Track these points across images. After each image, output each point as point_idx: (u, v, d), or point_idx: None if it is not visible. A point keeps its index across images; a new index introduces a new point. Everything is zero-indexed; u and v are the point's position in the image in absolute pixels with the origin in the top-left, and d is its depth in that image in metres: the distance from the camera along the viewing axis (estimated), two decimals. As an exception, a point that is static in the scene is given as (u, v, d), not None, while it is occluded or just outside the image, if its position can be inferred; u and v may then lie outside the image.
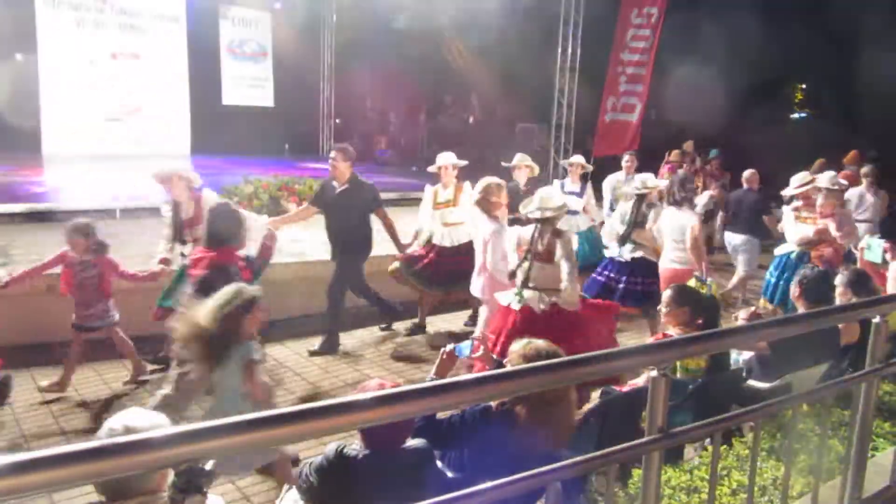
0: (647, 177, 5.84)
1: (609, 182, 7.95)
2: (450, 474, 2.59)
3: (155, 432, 1.12)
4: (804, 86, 25.19)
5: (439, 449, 2.57)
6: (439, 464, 2.56)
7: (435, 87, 16.59)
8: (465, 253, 5.67)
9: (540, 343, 2.86)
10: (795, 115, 25.21)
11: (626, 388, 3.47)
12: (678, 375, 3.38)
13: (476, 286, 5.15)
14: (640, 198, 5.60)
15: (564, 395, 2.69)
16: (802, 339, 3.07)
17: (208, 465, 0.99)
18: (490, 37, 14.65)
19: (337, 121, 17.67)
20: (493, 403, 2.67)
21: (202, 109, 15.14)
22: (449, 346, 2.92)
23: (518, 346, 2.81)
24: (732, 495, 2.46)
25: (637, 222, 5.57)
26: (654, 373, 1.72)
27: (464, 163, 6.13)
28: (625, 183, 7.45)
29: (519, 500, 2.31)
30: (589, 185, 7.33)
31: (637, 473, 2.57)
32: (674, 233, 5.43)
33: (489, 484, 1.52)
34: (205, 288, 3.46)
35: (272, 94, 16.82)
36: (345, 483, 2.27)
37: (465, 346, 2.86)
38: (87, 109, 13.76)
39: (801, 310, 3.76)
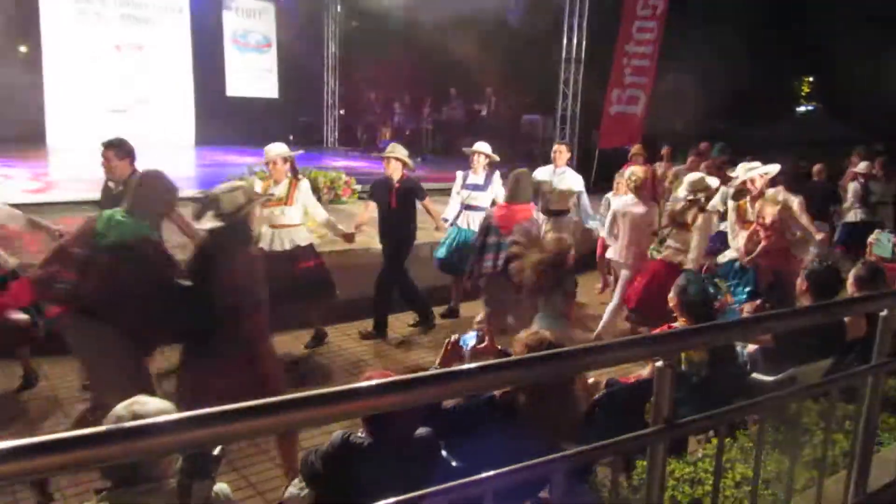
0: (696, 178, 5.52)
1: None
2: (454, 463, 2.59)
3: (161, 418, 1.12)
4: (811, 78, 25.07)
5: (444, 438, 2.58)
6: (444, 453, 2.57)
7: (440, 78, 16.54)
8: (301, 258, 5.24)
9: (544, 333, 2.86)
10: (802, 109, 25.10)
11: (630, 380, 3.48)
12: (683, 368, 3.37)
13: (622, 255, 5.88)
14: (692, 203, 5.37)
15: (568, 385, 2.69)
16: (808, 333, 3.07)
17: (216, 451, 0.99)
18: (495, 28, 14.60)
19: (341, 112, 17.64)
20: (497, 393, 2.68)
21: (206, 100, 15.13)
22: (453, 337, 2.93)
23: (522, 335, 2.81)
24: (736, 487, 2.46)
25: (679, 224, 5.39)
26: (659, 363, 1.72)
27: (295, 153, 5.60)
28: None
29: (523, 489, 2.32)
30: (497, 176, 6.43)
31: (641, 465, 2.57)
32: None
33: (492, 472, 1.52)
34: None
35: (277, 85, 16.80)
36: (350, 470, 2.28)
37: (470, 336, 2.87)
38: (90, 101, 13.76)
39: (807, 304, 3.75)
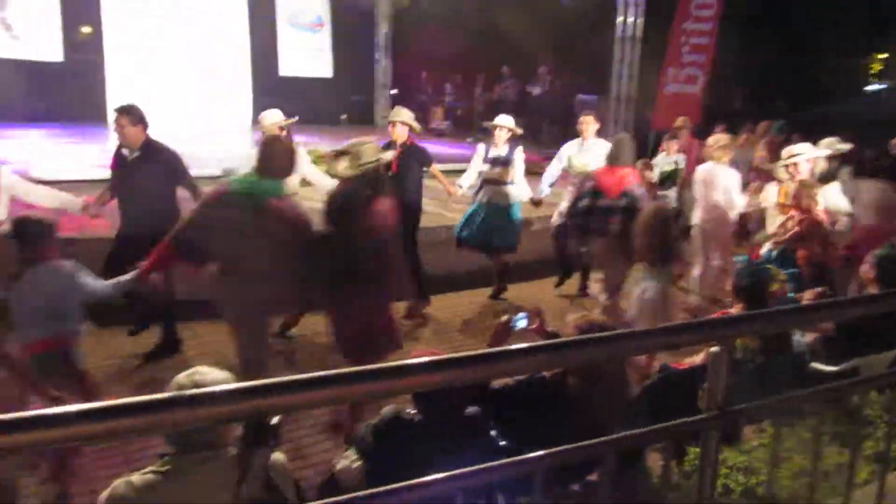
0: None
1: None
2: (502, 443, 2.60)
3: (222, 387, 1.16)
4: (884, 56, 23.89)
5: (492, 418, 2.59)
6: (492, 433, 2.58)
7: (492, 57, 16.38)
8: None
9: (594, 315, 2.84)
10: (873, 87, 23.96)
11: (683, 366, 3.42)
12: (738, 355, 3.29)
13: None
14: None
15: (618, 368, 2.67)
16: (873, 322, 2.96)
17: (274, 421, 1.02)
18: (549, 6, 14.35)
19: (393, 91, 17.66)
20: (546, 374, 2.67)
21: (261, 81, 15.34)
22: (504, 318, 2.93)
23: (572, 318, 2.80)
24: (792, 479, 2.40)
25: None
26: (714, 349, 1.68)
27: (291, 121, 5.84)
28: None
29: (572, 471, 2.32)
30: (519, 151, 6.27)
31: (693, 451, 2.54)
32: None
33: (541, 452, 1.52)
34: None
35: (330, 64, 16.89)
36: (400, 445, 2.31)
37: (521, 318, 2.86)
38: (149, 80, 14.08)
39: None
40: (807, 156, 5.42)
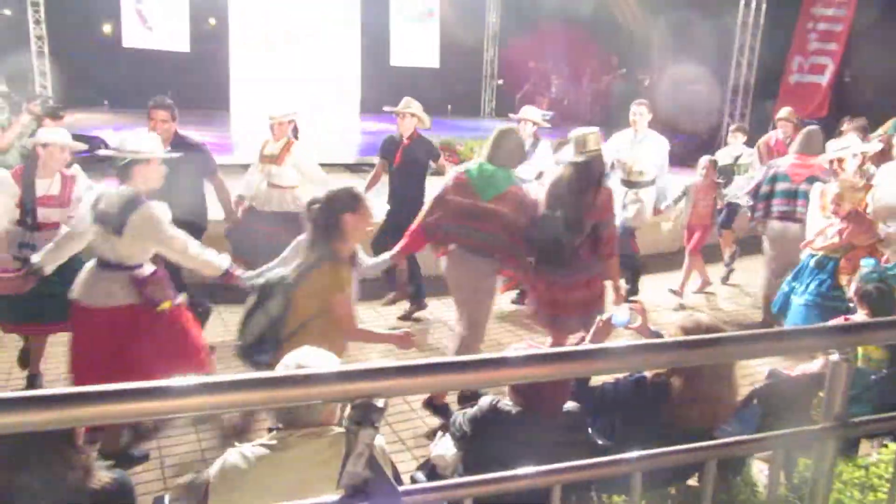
0: None
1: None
2: (599, 441, 2.57)
3: (326, 369, 1.21)
4: None
5: (590, 415, 2.56)
6: (590, 430, 2.55)
7: (602, 47, 16.00)
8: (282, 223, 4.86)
9: (702, 316, 2.74)
10: None
11: (795, 373, 3.24)
12: (860, 364, 3.09)
13: None
14: None
15: (726, 372, 2.57)
16: None
17: (380, 403, 1.06)
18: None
19: (499, 82, 17.61)
20: (647, 374, 2.61)
21: (371, 70, 15.70)
22: (605, 314, 2.88)
23: (678, 318, 2.72)
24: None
25: None
26: (835, 357, 1.58)
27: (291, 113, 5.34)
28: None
29: (667, 472, 2.25)
30: (543, 145, 5.79)
31: (803, 463, 2.41)
32: None
33: (640, 453, 1.49)
34: None
35: (438, 55, 17.06)
36: (497, 435, 2.33)
37: (623, 314, 2.80)
38: (267, 70, 14.70)
39: None
40: (853, 150, 4.84)
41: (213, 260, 3.43)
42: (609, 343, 1.50)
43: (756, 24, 11.34)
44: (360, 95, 15.78)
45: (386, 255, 3.93)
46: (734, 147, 7.17)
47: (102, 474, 1.96)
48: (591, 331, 2.86)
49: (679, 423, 2.45)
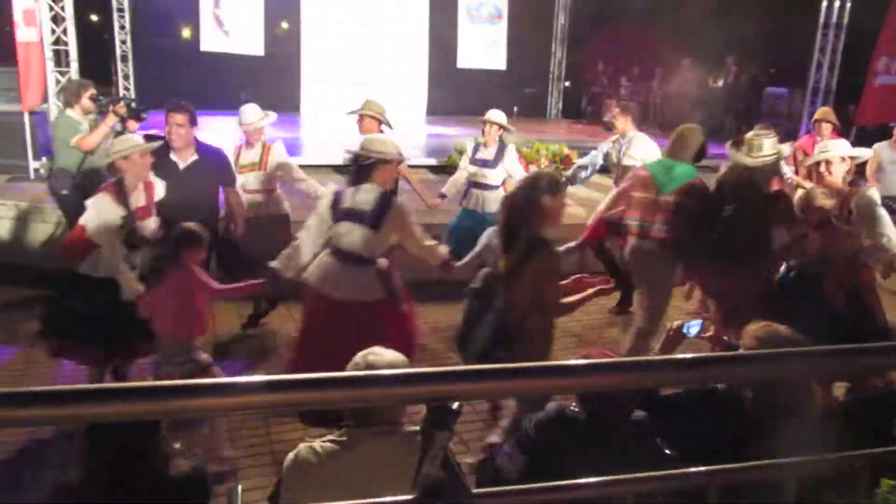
0: None
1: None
2: (668, 452, 2.52)
3: (388, 371, 1.23)
4: None
5: (660, 425, 2.51)
6: (658, 440, 2.50)
7: (674, 48, 15.65)
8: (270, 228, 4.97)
9: (779, 327, 2.65)
10: None
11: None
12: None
13: None
14: None
15: (804, 387, 2.47)
16: None
17: (455, 406, 1.07)
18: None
19: (567, 84, 17.45)
20: (720, 385, 2.54)
21: (438, 72, 15.80)
22: (676, 323, 2.83)
23: (753, 327, 2.63)
24: None
25: None
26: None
27: (270, 120, 5.26)
28: None
29: (741, 490, 2.19)
30: (510, 151, 5.56)
31: (887, 484, 2.30)
32: None
33: (712, 467, 1.45)
34: None
35: (505, 56, 17.04)
36: (562, 443, 2.31)
37: (695, 324, 2.74)
38: (338, 74, 14.97)
39: None
40: (841, 153, 4.33)
41: (437, 249, 3.76)
42: (678, 355, 1.47)
43: (839, 24, 10.87)
44: (426, 97, 15.91)
45: (570, 244, 4.35)
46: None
47: (182, 462, 2.04)
48: (661, 339, 2.80)
49: (753, 439, 2.37)
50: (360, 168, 3.57)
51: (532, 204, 3.18)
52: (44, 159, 7.68)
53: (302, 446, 2.00)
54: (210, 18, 13.22)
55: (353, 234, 3.52)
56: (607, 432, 2.28)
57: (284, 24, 15.84)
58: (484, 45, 16.80)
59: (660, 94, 15.62)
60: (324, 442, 1.99)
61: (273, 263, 3.63)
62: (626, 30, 15.64)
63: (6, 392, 0.99)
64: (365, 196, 3.54)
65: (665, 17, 13.99)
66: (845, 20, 10.83)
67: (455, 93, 15.07)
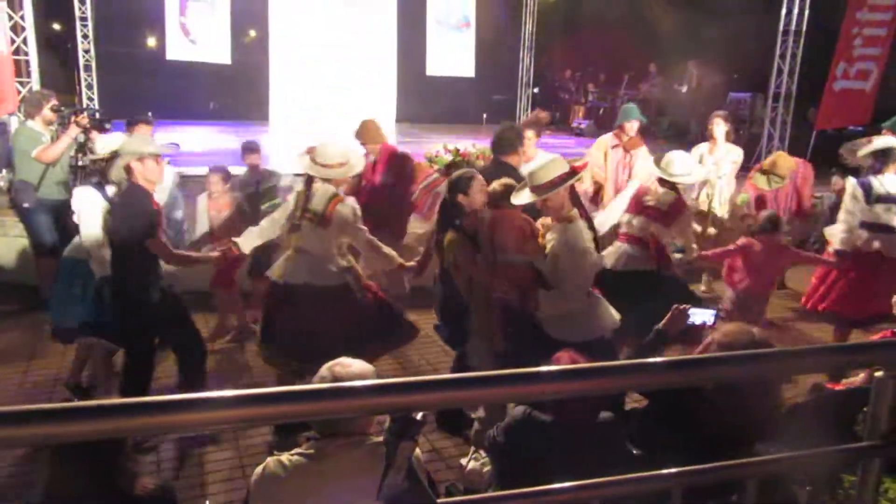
0: None
1: None
2: (635, 452, 2.54)
3: (361, 382, 1.22)
4: None
5: (626, 425, 2.54)
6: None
7: (639, 54, 15.88)
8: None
9: (747, 328, 2.67)
10: None
11: (839, 387, 3.16)
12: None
13: None
14: None
15: (770, 387, 2.51)
16: None
17: (419, 416, 1.08)
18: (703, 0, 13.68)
19: (535, 90, 17.58)
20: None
21: (407, 80, 15.81)
22: (686, 306, 2.79)
23: (726, 327, 2.65)
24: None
25: None
26: (879, 374, 1.55)
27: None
28: None
29: (709, 489, 2.22)
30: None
31: (848, 480, 2.35)
32: None
33: (678, 469, 1.47)
34: None
35: (473, 64, 17.11)
36: (530, 446, 2.32)
37: (707, 314, 2.71)
38: (305, 80, 14.88)
39: None
40: (693, 178, 5.19)
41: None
42: (645, 360, 1.49)
43: (798, 31, 11.14)
44: (395, 105, 15.90)
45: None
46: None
47: (147, 480, 2.01)
48: (667, 317, 2.77)
49: (717, 437, 2.40)
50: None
51: (453, 204, 3.79)
52: (3, 171, 7.51)
53: (270, 460, 1.98)
54: (176, 27, 13.05)
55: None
56: (574, 434, 2.29)
57: (252, 33, 15.73)
58: (452, 53, 16.84)
59: (626, 99, 15.81)
60: (291, 455, 1.98)
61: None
62: (593, 37, 15.84)
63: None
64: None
65: (631, 24, 14.20)
66: (804, 27, 11.09)
67: (424, 100, 15.10)
